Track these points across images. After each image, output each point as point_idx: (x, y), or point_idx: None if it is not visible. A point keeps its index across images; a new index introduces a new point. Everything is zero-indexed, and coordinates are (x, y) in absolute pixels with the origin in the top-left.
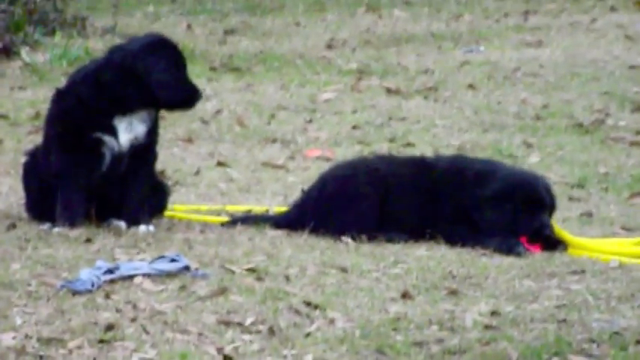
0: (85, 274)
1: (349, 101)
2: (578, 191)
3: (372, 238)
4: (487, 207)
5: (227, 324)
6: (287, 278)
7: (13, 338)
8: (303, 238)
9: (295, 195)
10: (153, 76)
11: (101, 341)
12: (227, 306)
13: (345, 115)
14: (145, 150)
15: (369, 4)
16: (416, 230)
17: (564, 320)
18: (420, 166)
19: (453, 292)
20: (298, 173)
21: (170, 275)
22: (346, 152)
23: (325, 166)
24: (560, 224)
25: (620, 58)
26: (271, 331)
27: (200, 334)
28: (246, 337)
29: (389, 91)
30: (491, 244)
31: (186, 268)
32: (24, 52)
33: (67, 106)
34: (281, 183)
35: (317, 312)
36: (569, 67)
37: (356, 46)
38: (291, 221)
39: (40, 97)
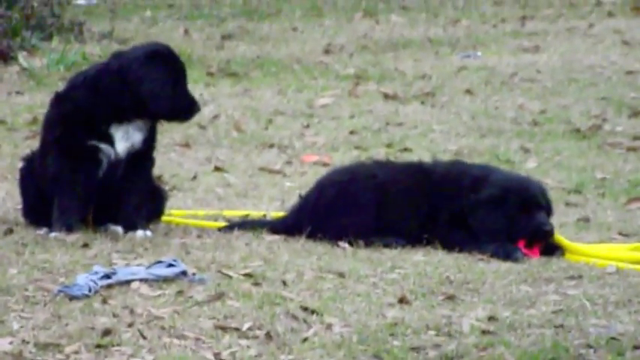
0: (82, 279)
1: (346, 106)
2: (575, 196)
3: (369, 244)
4: (481, 212)
5: (224, 329)
6: (284, 283)
7: (10, 343)
8: (301, 243)
9: (292, 200)
10: (145, 87)
11: (98, 346)
12: (224, 311)
13: (342, 120)
14: (143, 156)
15: (366, 9)
16: (413, 235)
17: (561, 325)
18: (417, 171)
19: (450, 298)
20: (295, 178)
21: (167, 280)
22: (343, 157)
23: (322, 172)
24: (557, 229)
25: (617, 64)
26: (268, 337)
27: (197, 339)
28: (244, 342)
29: (386, 96)
30: (488, 249)
31: (184, 273)
32: (21, 56)
33: (65, 110)
34: (278, 188)
35: (314, 317)
36: (566, 73)
37: (353, 52)
38: (289, 226)
39: (38, 102)
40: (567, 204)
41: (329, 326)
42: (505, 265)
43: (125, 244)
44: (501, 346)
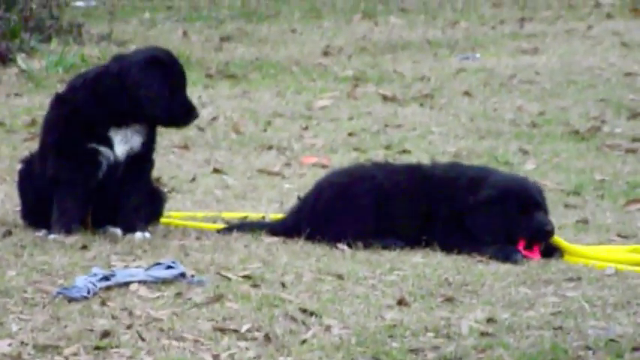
0: (81, 281)
1: (345, 108)
2: (574, 198)
3: (368, 245)
4: (480, 213)
5: (223, 331)
6: (283, 285)
7: (9, 345)
8: (299, 245)
9: (291, 202)
10: (144, 92)
11: (97, 348)
12: (223, 313)
13: (341, 122)
14: (142, 158)
15: (365, 11)
16: (412, 237)
17: (560, 327)
18: (416, 173)
19: (449, 299)
20: (294, 180)
21: (166, 282)
22: (342, 159)
23: (321, 173)
24: (556, 231)
25: (616, 66)
26: (267, 338)
27: (196, 341)
28: (242, 344)
29: (385, 98)
30: (487, 251)
31: (182, 275)
32: (20, 58)
33: (65, 112)
34: (277, 190)
35: (313, 319)
36: (565, 75)
37: (352, 53)
38: (287, 228)
39: (36, 104)
40: (566, 206)
41: (328, 328)
42: (504, 267)
43: (124, 246)
44: (500, 347)
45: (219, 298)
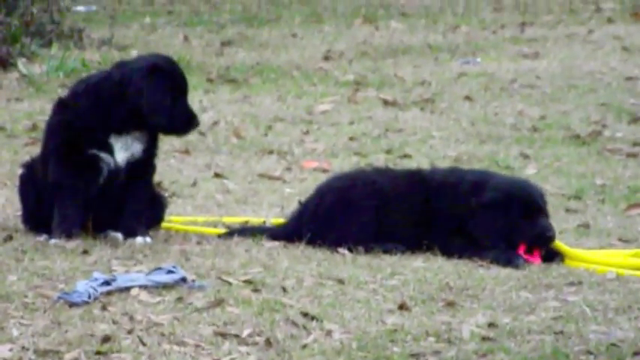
0: (82, 286)
1: (346, 113)
2: (575, 203)
3: (368, 250)
4: (483, 215)
5: (224, 336)
6: (284, 290)
7: (10, 350)
8: (300, 250)
9: (292, 206)
10: (144, 99)
11: (98, 353)
12: (224, 318)
13: (341, 126)
14: (143, 164)
15: (365, 15)
16: (413, 242)
17: (561, 332)
18: (417, 178)
19: (450, 304)
20: (295, 185)
21: (167, 287)
22: (343, 164)
23: (322, 178)
24: (557, 236)
25: (616, 70)
26: (268, 343)
27: (197, 346)
28: (243, 348)
29: (386, 102)
30: (488, 255)
31: (183, 279)
32: (21, 63)
33: (66, 117)
34: (278, 194)
35: (314, 323)
36: (565, 79)
37: (353, 58)
38: (288, 233)
39: (37, 109)
40: (567, 210)
41: (329, 333)
42: (505, 272)
43: (125, 250)
44: (501, 352)
45: (220, 302)
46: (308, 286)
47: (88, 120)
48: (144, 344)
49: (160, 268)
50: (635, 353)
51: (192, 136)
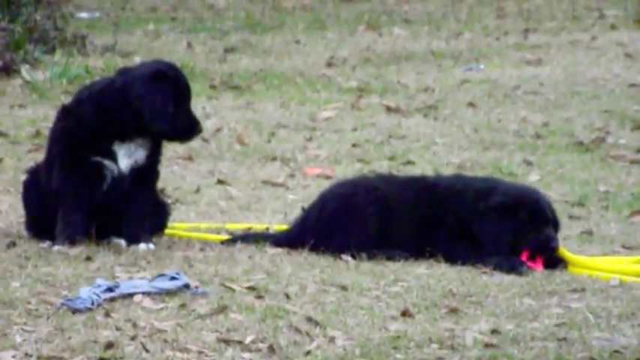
0: (85, 293)
1: (349, 119)
2: (578, 209)
3: (372, 257)
4: (490, 219)
5: (227, 342)
6: (287, 296)
7: (13, 357)
8: (303, 256)
9: (295, 213)
10: (147, 106)
11: (101, 359)
12: (227, 324)
13: (345, 133)
14: (147, 171)
15: (369, 22)
16: (416, 248)
17: (564, 339)
18: (420, 184)
19: (453, 311)
20: (298, 191)
21: (170, 293)
22: (346, 170)
23: (325, 184)
24: (560, 242)
25: (620, 77)
26: (271, 350)
27: (200, 353)
28: (246, 355)
29: (389, 109)
30: (492, 262)
31: (186, 286)
32: (24, 70)
33: (70, 124)
34: (281, 201)
35: (317, 330)
36: (569, 86)
37: (356, 64)
38: (291, 239)
39: (40, 116)
40: (570, 217)
41: (332, 339)
42: (508, 278)
43: (128, 257)
44: (504, 359)
45: (223, 309)
46: (311, 293)
47: (92, 127)
48: (147, 351)
49: (163, 275)
50: None
51: (195, 143)
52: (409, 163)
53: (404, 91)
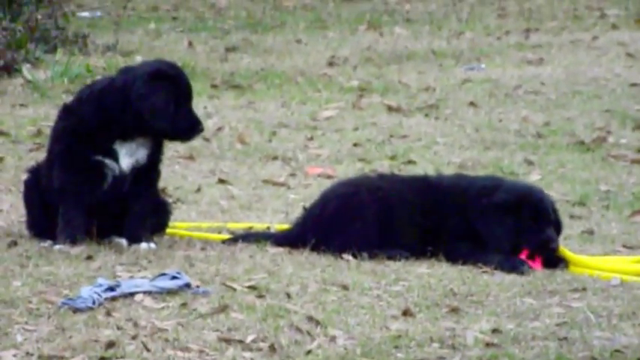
0: (86, 292)
1: (350, 119)
2: (579, 209)
3: (373, 256)
4: (493, 216)
5: (228, 341)
6: (288, 295)
7: (14, 356)
8: (305, 256)
9: (296, 212)
10: (147, 105)
11: (102, 359)
12: (228, 323)
13: (346, 132)
14: (148, 169)
15: (370, 21)
16: (417, 248)
17: (565, 338)
18: (422, 184)
19: (454, 310)
20: (299, 190)
21: (171, 293)
22: (347, 170)
23: (326, 184)
24: (561, 242)
25: (621, 76)
26: (272, 349)
27: (201, 352)
28: (247, 354)
29: (390, 108)
30: (493, 261)
31: (187, 285)
32: (25, 69)
33: (71, 123)
34: (282, 200)
35: (318, 329)
36: (570, 85)
37: (357, 64)
38: (293, 239)
39: (41, 115)
40: (571, 216)
41: (333, 339)
42: (509, 278)
43: (129, 256)
44: (505, 358)
45: (224, 308)
46: (312, 292)
47: (93, 126)
48: (148, 350)
49: (164, 274)
50: None
51: (196, 142)
52: (410, 162)
53: (405, 91)
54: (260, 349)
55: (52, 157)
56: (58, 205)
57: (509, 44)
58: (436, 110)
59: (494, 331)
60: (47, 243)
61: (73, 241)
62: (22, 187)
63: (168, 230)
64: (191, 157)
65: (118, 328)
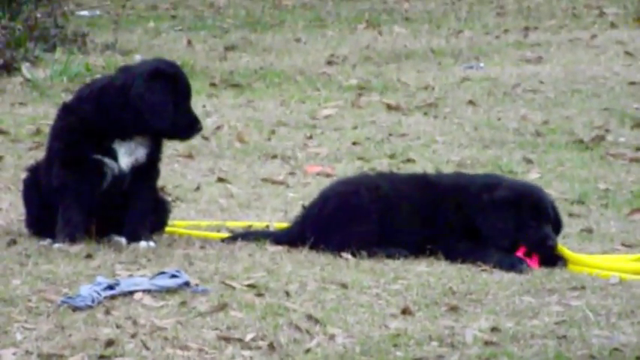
0: (86, 290)
1: (349, 117)
2: (578, 207)
3: (372, 255)
4: (493, 211)
5: (227, 340)
6: (287, 294)
7: (14, 354)
8: (304, 254)
9: (295, 211)
10: (146, 104)
11: (101, 357)
12: (227, 322)
13: (345, 131)
14: (147, 168)
15: (369, 20)
16: (416, 246)
17: (564, 336)
18: (421, 182)
19: (453, 308)
20: (298, 189)
21: (170, 291)
22: (346, 168)
23: (325, 182)
24: (560, 240)
25: (620, 75)
26: (271, 347)
27: (200, 350)
28: (247, 352)
29: (389, 107)
30: (492, 260)
31: (187, 284)
32: (24, 68)
33: (70, 122)
34: (281, 199)
35: (317, 328)
36: (569, 84)
37: (356, 63)
38: (292, 237)
39: (41, 113)
40: (570, 215)
41: (332, 337)
42: (508, 276)
43: (128, 255)
44: (504, 357)
45: (223, 307)
46: (311, 291)
47: (92, 125)
48: (147, 348)
49: (163, 273)
50: (638, 358)
51: (195, 141)
52: (409, 161)
53: (404, 89)
54: (259, 348)
55: (52, 156)
56: (57, 203)
57: (508, 43)
58: (435, 109)
59: (494, 329)
60: (46, 241)
61: (73, 240)
62: (21, 186)
63: (167, 229)
64: (190, 156)
65: (118, 326)
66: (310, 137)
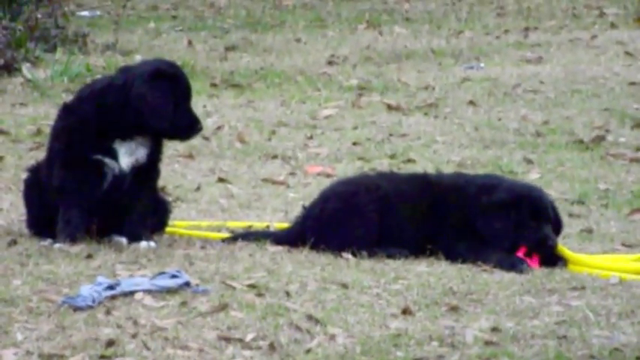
0: (86, 290)
1: (350, 117)
2: (578, 207)
3: (372, 254)
4: (492, 213)
5: (228, 340)
6: (287, 294)
7: (15, 354)
8: (304, 254)
9: (296, 211)
10: (146, 104)
11: (102, 357)
12: (228, 322)
13: (345, 131)
14: (148, 169)
15: (369, 20)
16: (416, 246)
17: (564, 336)
18: (421, 182)
19: (454, 308)
20: (299, 189)
21: (171, 291)
22: (347, 168)
23: (326, 183)
24: (560, 240)
25: (620, 75)
26: (272, 347)
27: (201, 350)
28: (247, 353)
29: (389, 107)
30: (492, 260)
31: (187, 284)
32: (25, 68)
33: (71, 122)
34: (281, 199)
35: (318, 328)
36: (569, 84)
37: (356, 63)
38: (292, 237)
39: (41, 114)
40: (570, 215)
41: (332, 337)
42: (508, 276)
43: (129, 255)
44: (505, 357)
45: (223, 307)
46: (312, 291)
47: (93, 125)
48: (148, 348)
49: (163, 273)
50: (638, 358)
51: (196, 141)
52: (410, 161)
53: (404, 90)
54: (259, 348)
55: (52, 156)
56: (57, 203)
57: (508, 43)
58: (435, 109)
59: (494, 329)
60: (47, 242)
61: (73, 240)
62: (22, 186)
63: (167, 229)
64: (191, 156)
65: (118, 326)
66: (311, 137)
